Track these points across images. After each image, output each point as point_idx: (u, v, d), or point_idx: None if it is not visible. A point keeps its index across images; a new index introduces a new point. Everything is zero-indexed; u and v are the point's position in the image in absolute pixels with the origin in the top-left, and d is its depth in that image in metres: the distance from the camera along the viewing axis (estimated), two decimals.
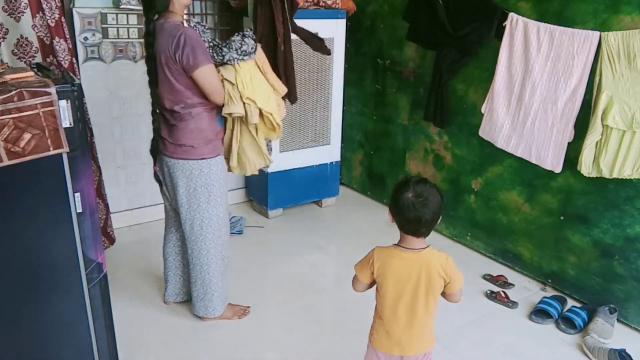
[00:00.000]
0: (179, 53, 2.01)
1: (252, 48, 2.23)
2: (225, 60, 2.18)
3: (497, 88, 2.80)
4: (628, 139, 2.33)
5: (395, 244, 1.64)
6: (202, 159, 2.22)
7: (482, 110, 2.91)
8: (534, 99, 2.65)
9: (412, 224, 1.56)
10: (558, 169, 2.63)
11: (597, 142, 2.41)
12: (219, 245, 2.38)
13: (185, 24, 2.16)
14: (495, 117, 2.83)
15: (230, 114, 2.23)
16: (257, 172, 2.48)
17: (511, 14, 2.68)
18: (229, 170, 2.46)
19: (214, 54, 2.18)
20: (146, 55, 2.12)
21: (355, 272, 1.71)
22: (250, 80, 2.21)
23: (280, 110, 2.43)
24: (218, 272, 2.41)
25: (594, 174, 2.46)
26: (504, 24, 2.72)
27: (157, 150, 2.27)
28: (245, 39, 2.21)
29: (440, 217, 1.60)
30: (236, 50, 2.17)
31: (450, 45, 3.05)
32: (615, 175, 2.39)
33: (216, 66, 2.19)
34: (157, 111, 2.21)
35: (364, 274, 1.67)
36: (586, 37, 2.41)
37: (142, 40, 3.04)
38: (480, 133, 2.95)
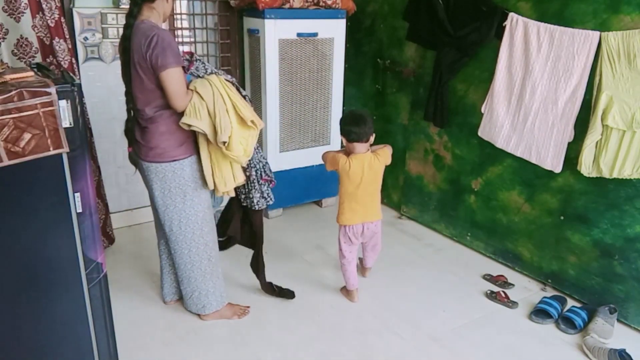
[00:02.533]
0: (149, 52, 2.00)
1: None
2: (208, 72, 2.16)
3: (497, 88, 2.80)
4: (628, 139, 2.32)
5: (348, 156, 2.51)
6: (175, 160, 2.20)
7: (482, 110, 2.91)
8: (534, 99, 2.65)
9: (355, 133, 2.44)
10: (558, 168, 2.63)
11: (597, 142, 2.41)
12: (202, 245, 2.36)
13: (163, 26, 2.14)
14: (495, 117, 2.83)
15: (189, 125, 2.12)
16: (229, 192, 2.31)
17: (511, 14, 2.68)
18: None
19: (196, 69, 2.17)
20: (122, 47, 2.10)
21: (326, 163, 2.62)
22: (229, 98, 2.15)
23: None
24: (203, 272, 2.41)
25: (594, 174, 2.46)
26: (504, 24, 2.72)
27: (131, 132, 2.24)
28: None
29: (374, 134, 2.51)
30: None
31: (450, 45, 3.05)
32: (615, 175, 2.39)
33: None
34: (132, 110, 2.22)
35: (331, 167, 2.59)
36: (586, 37, 2.41)
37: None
38: (480, 133, 2.95)
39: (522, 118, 2.73)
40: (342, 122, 2.52)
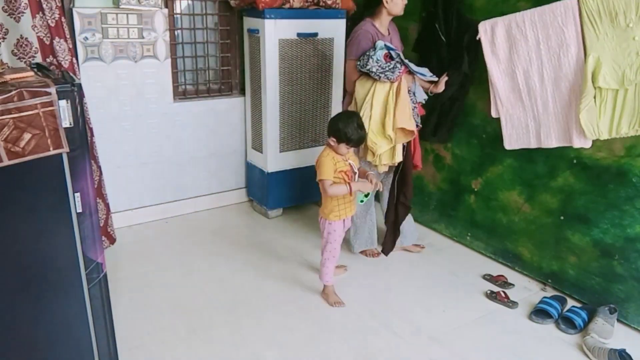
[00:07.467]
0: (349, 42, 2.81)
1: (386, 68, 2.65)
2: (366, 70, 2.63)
3: (503, 95, 2.65)
4: (622, 97, 2.27)
5: (333, 155, 2.51)
6: None
7: (493, 115, 2.72)
8: (544, 84, 2.53)
9: (356, 141, 2.47)
10: (588, 144, 2.46)
11: (599, 105, 2.34)
12: None
13: (368, 26, 2.77)
14: (517, 122, 2.67)
15: None
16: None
17: (480, 24, 2.56)
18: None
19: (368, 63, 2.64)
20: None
21: (324, 178, 2.47)
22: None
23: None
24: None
25: (594, 137, 2.37)
26: (477, 38, 2.59)
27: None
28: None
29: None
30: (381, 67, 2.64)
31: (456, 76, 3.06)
32: (613, 134, 2.31)
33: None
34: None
35: (330, 174, 2.47)
36: (566, 7, 2.34)
37: (140, 40, 3.17)
38: (508, 146, 2.71)
39: (542, 109, 2.58)
40: (343, 125, 2.43)
